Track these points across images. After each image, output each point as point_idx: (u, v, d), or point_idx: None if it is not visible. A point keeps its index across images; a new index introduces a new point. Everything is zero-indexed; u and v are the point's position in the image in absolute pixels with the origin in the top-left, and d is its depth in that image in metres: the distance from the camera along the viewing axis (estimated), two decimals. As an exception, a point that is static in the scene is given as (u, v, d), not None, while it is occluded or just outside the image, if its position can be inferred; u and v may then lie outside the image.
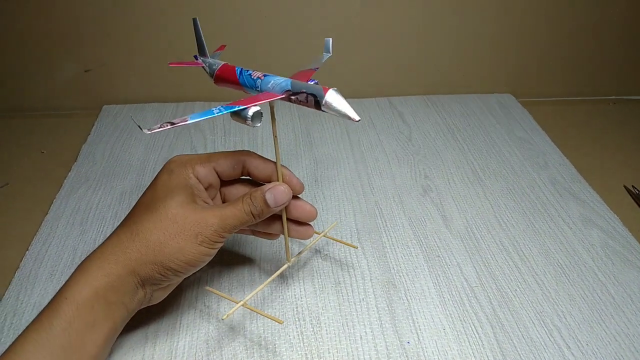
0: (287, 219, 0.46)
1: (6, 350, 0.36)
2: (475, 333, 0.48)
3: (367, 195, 0.65)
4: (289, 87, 0.39)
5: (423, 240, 0.58)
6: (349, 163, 0.71)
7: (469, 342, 0.47)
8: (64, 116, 0.84)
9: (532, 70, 0.92)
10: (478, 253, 0.57)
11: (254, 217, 0.42)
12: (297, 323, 0.48)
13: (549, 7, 0.85)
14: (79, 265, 0.40)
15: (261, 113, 0.39)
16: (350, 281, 0.53)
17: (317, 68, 0.45)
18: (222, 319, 0.45)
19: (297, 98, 0.38)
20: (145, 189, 0.44)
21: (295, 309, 0.49)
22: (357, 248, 0.56)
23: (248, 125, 0.38)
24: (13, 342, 0.36)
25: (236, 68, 0.43)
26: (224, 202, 0.48)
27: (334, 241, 0.56)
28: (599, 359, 0.46)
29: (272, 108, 0.42)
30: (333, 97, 0.37)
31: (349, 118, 0.36)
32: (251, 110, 0.38)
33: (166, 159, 0.69)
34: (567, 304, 0.51)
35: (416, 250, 0.57)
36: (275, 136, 0.43)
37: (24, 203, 0.64)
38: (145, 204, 0.42)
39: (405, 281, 0.53)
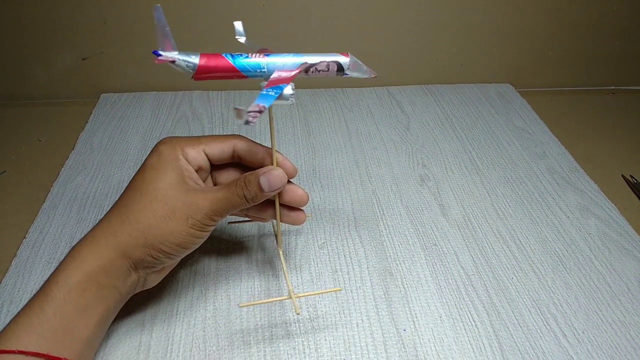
0: (279, 203, 0.46)
1: None
2: (472, 320, 0.48)
3: (365, 184, 0.65)
4: (304, 60, 0.39)
5: (420, 229, 0.58)
6: (346, 152, 0.71)
7: (465, 329, 0.47)
8: (61, 104, 0.84)
9: (531, 60, 0.92)
10: (475, 241, 0.57)
11: (247, 201, 0.42)
12: (293, 311, 0.48)
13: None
14: (70, 250, 0.40)
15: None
16: (347, 269, 0.53)
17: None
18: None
19: (315, 69, 0.39)
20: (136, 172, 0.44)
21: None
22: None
23: (289, 102, 0.38)
24: (4, 327, 0.36)
25: (224, 55, 0.39)
26: (215, 186, 0.48)
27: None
28: (595, 347, 0.46)
29: None
30: (354, 61, 0.40)
31: (370, 75, 0.41)
32: (288, 89, 0.38)
33: (164, 148, 0.70)
34: (564, 292, 0.51)
35: (413, 239, 0.57)
36: (271, 118, 0.42)
37: (21, 191, 0.64)
38: (135, 187, 0.41)
39: (402, 269, 0.53)
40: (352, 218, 0.59)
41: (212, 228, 0.42)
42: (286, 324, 0.47)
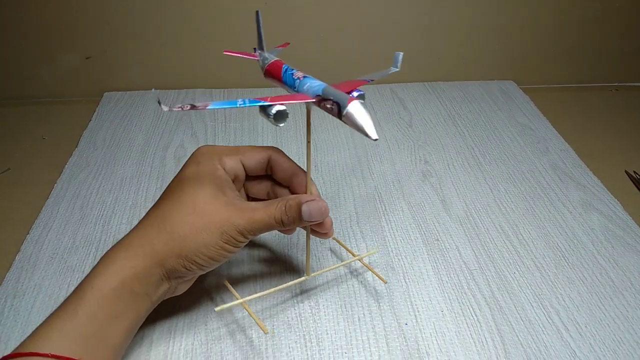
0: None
1: (31, 336, 0.36)
2: (473, 315, 0.48)
3: (367, 181, 0.65)
4: (320, 92, 0.37)
5: (422, 225, 0.58)
6: (348, 149, 0.71)
7: (466, 324, 0.47)
8: (65, 103, 0.84)
9: (534, 57, 0.91)
10: (477, 237, 0.57)
11: (283, 225, 0.41)
12: (295, 305, 0.48)
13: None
14: (104, 255, 0.40)
15: (287, 113, 0.37)
16: (349, 265, 0.53)
17: (371, 80, 0.43)
18: (215, 310, 0.44)
19: (324, 104, 0.36)
20: (172, 180, 0.43)
21: (293, 291, 0.50)
22: (386, 282, 0.51)
23: (271, 122, 0.37)
24: (37, 329, 0.36)
25: (283, 66, 0.41)
26: (247, 197, 0.48)
27: (366, 266, 0.51)
28: (597, 341, 0.46)
29: (308, 112, 0.40)
30: (355, 109, 0.34)
31: (367, 135, 0.33)
32: (275, 108, 0.36)
33: (166, 145, 0.70)
34: (566, 287, 0.51)
35: (415, 234, 0.57)
36: (309, 142, 0.41)
37: (25, 188, 0.64)
38: (174, 197, 0.41)
39: (404, 264, 0.53)
40: (354, 214, 0.59)
41: (244, 244, 0.42)
42: (287, 317, 0.47)
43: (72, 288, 0.48)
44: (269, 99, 0.37)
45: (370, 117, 0.34)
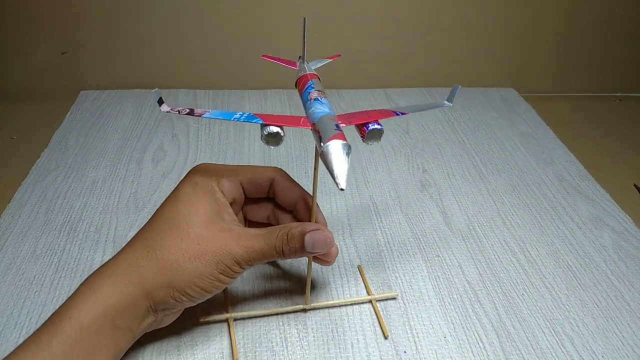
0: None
1: None
2: (480, 342, 0.43)
3: (361, 189, 0.60)
4: (315, 121, 0.34)
5: (421, 238, 0.53)
6: (341, 155, 0.66)
7: (472, 351, 0.42)
8: (38, 101, 0.79)
9: (535, 65, 0.88)
10: (481, 253, 0.52)
11: (283, 255, 0.37)
12: (281, 328, 0.43)
13: (554, 1, 0.81)
14: (86, 281, 0.35)
15: (281, 136, 0.33)
16: (341, 282, 0.48)
17: (403, 114, 0.38)
18: (200, 320, 0.40)
19: (316, 135, 0.33)
20: (164, 200, 0.39)
21: (279, 311, 0.44)
22: (387, 337, 0.43)
23: (263, 142, 0.34)
24: (5, 358, 0.31)
25: (310, 81, 0.38)
26: (245, 219, 0.44)
27: (375, 310, 0.45)
28: (615, 373, 0.41)
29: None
30: (332, 149, 0.30)
31: (335, 181, 0.30)
32: (267, 129, 0.33)
33: (144, 148, 0.65)
34: (580, 310, 0.46)
35: (414, 249, 0.52)
36: (316, 169, 0.37)
37: (-13, 191, 0.59)
38: (166, 218, 0.37)
39: (402, 283, 0.48)
40: (348, 225, 0.55)
41: (239, 275, 0.38)
42: (272, 343, 0.42)
43: (29, 303, 0.44)
44: (265, 117, 0.34)
45: (346, 163, 0.30)
